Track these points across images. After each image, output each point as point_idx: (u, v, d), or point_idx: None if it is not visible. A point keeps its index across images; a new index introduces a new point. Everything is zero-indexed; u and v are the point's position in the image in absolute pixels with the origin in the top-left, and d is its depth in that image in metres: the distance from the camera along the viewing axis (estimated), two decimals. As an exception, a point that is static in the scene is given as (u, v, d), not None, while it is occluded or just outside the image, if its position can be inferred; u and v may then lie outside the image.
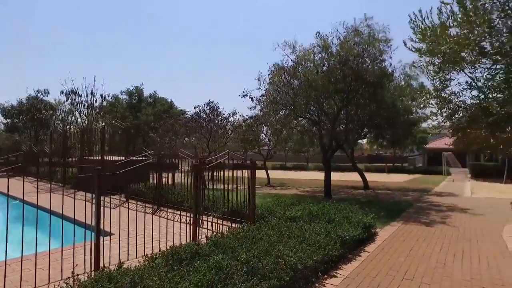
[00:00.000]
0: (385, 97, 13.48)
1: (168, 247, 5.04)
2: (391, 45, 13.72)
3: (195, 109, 21.28)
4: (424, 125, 34.69)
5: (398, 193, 16.91)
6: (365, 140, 33.39)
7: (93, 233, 4.76)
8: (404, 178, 27.46)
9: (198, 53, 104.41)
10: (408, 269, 5.46)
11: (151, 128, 23.34)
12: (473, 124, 4.35)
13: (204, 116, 20.60)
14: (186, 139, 23.54)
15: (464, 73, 4.87)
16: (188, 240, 6.13)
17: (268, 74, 14.67)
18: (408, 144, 37.49)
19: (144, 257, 4.74)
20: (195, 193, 6.36)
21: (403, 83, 14.64)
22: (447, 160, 28.32)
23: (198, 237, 6.36)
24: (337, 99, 14.20)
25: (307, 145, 22.00)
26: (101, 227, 6.28)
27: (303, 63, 14.02)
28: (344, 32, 13.84)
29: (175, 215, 7.83)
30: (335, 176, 29.36)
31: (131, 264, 4.43)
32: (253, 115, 18.07)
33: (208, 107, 20.82)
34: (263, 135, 23.03)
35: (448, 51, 5.04)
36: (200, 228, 7.56)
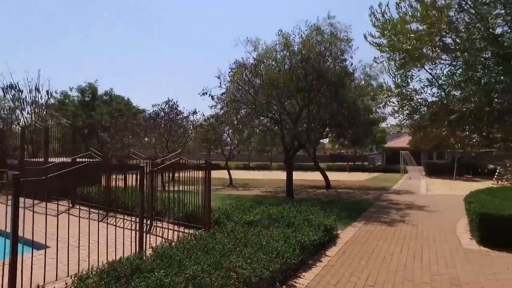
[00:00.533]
0: (346, 96, 13.49)
1: (106, 261, 4.38)
2: (352, 45, 13.78)
3: (153, 107, 20.27)
4: (383, 124, 35.87)
5: (359, 192, 17.10)
6: (327, 140, 33.97)
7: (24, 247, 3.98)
8: (364, 177, 28.14)
9: (159, 49, 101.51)
10: (369, 274, 5.20)
11: (104, 128, 21.92)
12: (434, 123, 4.19)
13: (163, 114, 19.66)
14: (146, 139, 22.42)
15: (425, 69, 4.69)
16: (134, 251, 5.48)
17: (229, 72, 14.17)
18: (368, 143, 38.72)
19: (73, 276, 4.04)
20: (140, 197, 5.71)
21: (363, 82, 14.78)
22: (404, 159, 29.45)
23: (146, 246, 5.72)
24: (299, 98, 14.02)
25: (270, 145, 21.74)
26: (35, 239, 5.45)
27: (264, 61, 13.68)
28: (307, 30, 13.70)
29: (125, 221, 7.08)
30: (298, 175, 29.51)
31: (55, 287, 3.73)
32: (214, 114, 17.46)
33: (167, 106, 19.92)
34: (225, 135, 22.48)
35: (409, 47, 4.85)
36: (150, 236, 6.91)
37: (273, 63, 13.69)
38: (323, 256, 6.06)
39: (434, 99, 4.53)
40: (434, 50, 4.43)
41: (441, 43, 4.36)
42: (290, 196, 14.73)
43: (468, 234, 7.84)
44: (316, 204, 12.87)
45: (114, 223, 6.70)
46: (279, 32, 13.81)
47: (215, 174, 30.31)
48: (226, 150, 23.97)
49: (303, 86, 12.98)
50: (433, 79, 4.53)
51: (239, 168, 43.50)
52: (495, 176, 22.61)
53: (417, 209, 11.54)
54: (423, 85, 4.66)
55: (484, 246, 6.80)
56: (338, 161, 48.03)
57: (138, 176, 5.77)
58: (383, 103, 5.03)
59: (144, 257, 4.62)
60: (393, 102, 4.94)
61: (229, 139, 23.09)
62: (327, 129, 15.77)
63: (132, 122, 19.66)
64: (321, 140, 35.25)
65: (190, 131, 20.45)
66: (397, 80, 4.83)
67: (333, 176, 29.44)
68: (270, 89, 13.09)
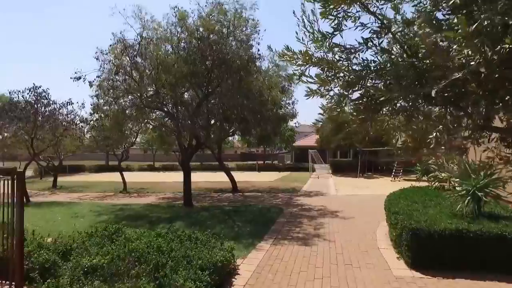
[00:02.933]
0: (252, 86, 11.48)
1: None
2: (259, 29, 11.87)
3: (10, 95, 15.46)
4: (291, 123, 35.71)
5: (268, 195, 15.45)
6: (236, 137, 32.28)
7: None
8: (274, 177, 27.13)
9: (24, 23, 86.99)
10: None
11: None
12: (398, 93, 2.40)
13: (25, 105, 15.07)
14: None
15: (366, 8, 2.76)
16: None
17: (107, 51, 10.89)
18: (277, 141, 38.42)
19: None
20: None
21: (271, 73, 13.03)
22: (312, 157, 29.48)
23: None
24: (197, 87, 11.54)
25: (166, 143, 18.78)
26: None
27: (152, 37, 10.83)
28: (206, 6, 11.31)
29: None
30: (206, 176, 27.04)
31: None
32: (94, 105, 13.72)
33: (32, 94, 15.33)
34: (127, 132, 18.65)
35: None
36: None
37: (164, 42, 10.94)
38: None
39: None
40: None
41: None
42: (188, 205, 12.19)
43: (392, 251, 6.44)
44: (217, 215, 10.69)
45: None
46: (175, 8, 11.15)
47: (110, 177, 25.93)
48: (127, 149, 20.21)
49: (200, 70, 10.56)
50: (384, 22, 2.56)
51: (143, 170, 38.98)
52: (393, 173, 23.67)
53: (330, 215, 10.14)
54: (371, 31, 2.64)
55: (416, 269, 5.34)
56: (249, 160, 46.96)
57: None
58: (296, 79, 2.83)
59: None
60: (311, 78, 2.82)
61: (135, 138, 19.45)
62: (232, 125, 13.55)
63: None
64: (230, 138, 33.42)
65: (63, 128, 16.12)
66: (317, 34, 2.76)
67: (242, 176, 27.81)
68: (159, 74, 10.33)
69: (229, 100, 11.43)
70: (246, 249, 6.64)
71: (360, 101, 2.90)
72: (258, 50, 12.04)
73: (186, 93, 12.95)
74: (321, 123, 31.81)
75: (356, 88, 2.68)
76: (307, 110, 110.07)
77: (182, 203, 12.59)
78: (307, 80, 2.92)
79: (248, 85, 11.05)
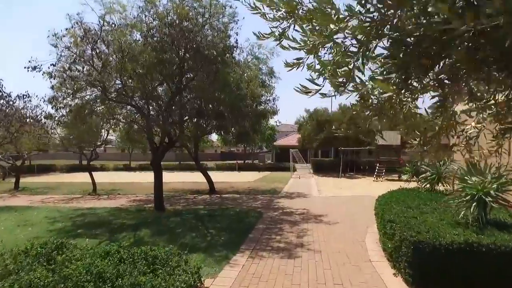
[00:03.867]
0: (229, 79, 10.45)
1: None
2: (237, 19, 10.86)
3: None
4: (272, 121, 34.90)
5: (247, 197, 14.48)
6: (215, 136, 31.16)
7: None
8: (254, 177, 26.20)
9: None
10: None
11: None
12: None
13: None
14: None
15: None
16: None
17: (62, 35, 9.56)
18: (257, 140, 37.48)
19: None
20: None
21: (251, 65, 12.05)
22: (294, 157, 28.73)
23: None
24: (169, 80, 10.41)
25: (136, 141, 17.49)
26: None
27: (118, 24, 9.63)
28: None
29: None
30: (182, 176, 25.82)
31: None
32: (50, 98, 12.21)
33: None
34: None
35: None
36: None
37: (130, 27, 9.76)
38: None
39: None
40: None
41: None
42: (159, 209, 11.06)
43: (387, 264, 5.62)
44: (190, 221, 9.62)
45: None
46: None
47: (82, 178, 24.17)
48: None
49: (171, 59, 9.45)
50: None
51: (118, 169, 37.09)
52: (375, 173, 23.22)
53: (314, 220, 9.28)
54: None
55: (418, 289, 4.53)
56: (230, 160, 45.79)
57: None
58: (276, 39, 1.75)
59: None
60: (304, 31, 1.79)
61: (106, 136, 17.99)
62: (207, 121, 12.37)
63: None
64: (210, 137, 32.16)
65: (17, 123, 14.53)
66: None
67: (221, 176, 26.74)
68: (124, 63, 9.15)
69: (203, 93, 10.34)
70: (218, 264, 5.66)
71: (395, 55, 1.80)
72: (236, 40, 11.05)
73: (159, 87, 11.78)
74: (303, 120, 31.18)
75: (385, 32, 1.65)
76: (288, 109, 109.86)
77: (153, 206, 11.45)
78: (292, 37, 1.95)
79: (225, 77, 10.01)
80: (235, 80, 10.63)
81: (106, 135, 17.95)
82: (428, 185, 8.66)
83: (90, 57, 9.32)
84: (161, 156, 11.26)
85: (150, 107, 11.25)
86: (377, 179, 22.72)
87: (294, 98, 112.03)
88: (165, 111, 10.70)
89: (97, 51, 9.41)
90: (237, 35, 11.29)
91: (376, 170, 23.31)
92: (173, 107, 10.78)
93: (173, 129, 11.32)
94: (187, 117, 11.15)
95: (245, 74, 11.80)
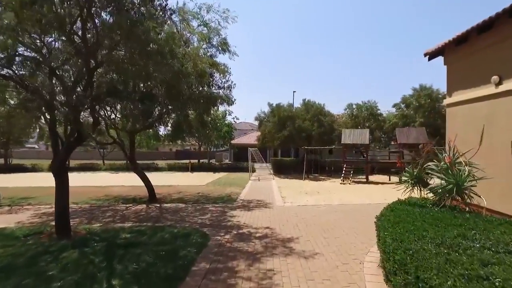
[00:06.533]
0: (163, 49, 7.21)
1: None
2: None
3: None
4: (229, 118, 31.78)
5: (192, 207, 11.37)
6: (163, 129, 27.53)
7: None
8: (208, 178, 23.02)
9: None
10: None
11: None
12: None
13: None
14: None
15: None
16: None
17: None
18: (213, 138, 34.28)
19: None
20: None
21: (194, 36, 8.92)
22: (252, 156, 25.98)
23: None
24: (68, 43, 6.93)
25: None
26: None
27: None
28: None
29: None
30: (125, 179, 21.82)
31: None
32: None
33: None
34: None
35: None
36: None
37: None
38: None
39: None
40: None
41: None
42: (62, 234, 7.61)
43: None
44: (96, 255, 6.26)
45: None
46: None
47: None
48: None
49: (69, 14, 6.03)
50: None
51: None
52: (342, 175, 21.12)
53: (282, 249, 6.45)
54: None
55: None
56: (185, 159, 41.86)
57: None
58: None
59: None
60: None
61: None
62: (126, 104, 8.87)
63: None
64: (162, 132, 28.44)
65: None
66: None
67: (171, 178, 23.26)
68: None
69: (126, 67, 7.03)
70: None
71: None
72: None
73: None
74: (264, 116, 28.54)
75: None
76: (247, 108, 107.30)
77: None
78: None
79: (157, 43, 6.80)
80: (173, 52, 7.41)
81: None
82: (439, 198, 6.19)
83: None
84: (65, 157, 7.80)
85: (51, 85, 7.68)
86: (344, 181, 20.62)
87: (255, 97, 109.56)
88: (72, 90, 7.26)
89: None
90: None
91: (343, 172, 21.23)
92: (84, 86, 7.35)
93: (80, 117, 7.88)
94: (102, 97, 7.62)
95: (190, 47, 8.67)
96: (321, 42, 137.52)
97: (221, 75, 9.96)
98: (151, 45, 6.31)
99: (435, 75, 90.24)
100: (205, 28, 8.99)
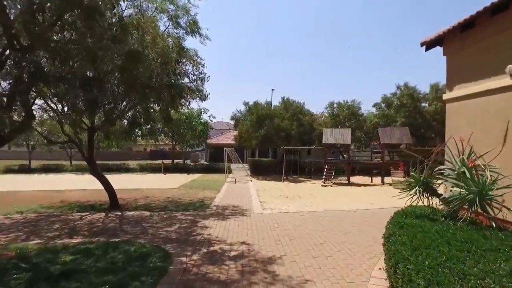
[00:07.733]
0: (113, 26, 5.71)
1: None
2: None
3: None
4: (205, 116, 30.10)
5: (159, 217, 9.85)
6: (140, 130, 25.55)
7: None
8: (181, 181, 21.38)
9: None
10: None
11: None
12: None
13: None
14: None
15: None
16: None
17: None
18: (189, 138, 32.51)
19: None
20: None
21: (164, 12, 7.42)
22: (229, 156, 24.54)
23: None
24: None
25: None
26: None
27: None
28: None
29: None
30: (89, 182, 19.64)
31: None
32: None
33: None
34: None
35: None
36: None
37: None
38: None
39: None
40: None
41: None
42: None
43: None
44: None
45: None
46: None
47: None
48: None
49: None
50: None
51: (12, 171, 28.65)
52: (323, 176, 20.10)
53: (264, 277, 5.11)
54: None
55: None
56: (160, 159, 39.69)
57: None
58: None
59: None
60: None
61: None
62: (67, 90, 7.13)
63: None
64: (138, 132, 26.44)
65: None
66: None
67: (141, 181, 21.43)
68: None
69: (63, 45, 5.44)
70: None
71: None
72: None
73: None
74: (241, 115, 27.21)
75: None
76: (225, 107, 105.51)
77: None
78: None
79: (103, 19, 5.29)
80: (128, 30, 5.91)
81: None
82: (454, 210, 5.07)
83: None
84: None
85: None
86: (325, 183, 19.60)
87: (231, 92, 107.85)
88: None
89: None
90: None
91: (325, 173, 20.22)
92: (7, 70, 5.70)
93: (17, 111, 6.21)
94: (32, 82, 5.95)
95: (150, 27, 7.15)
96: (301, 40, 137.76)
97: (191, 62, 8.51)
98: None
99: (417, 74, 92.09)
100: (171, 5, 7.53)
